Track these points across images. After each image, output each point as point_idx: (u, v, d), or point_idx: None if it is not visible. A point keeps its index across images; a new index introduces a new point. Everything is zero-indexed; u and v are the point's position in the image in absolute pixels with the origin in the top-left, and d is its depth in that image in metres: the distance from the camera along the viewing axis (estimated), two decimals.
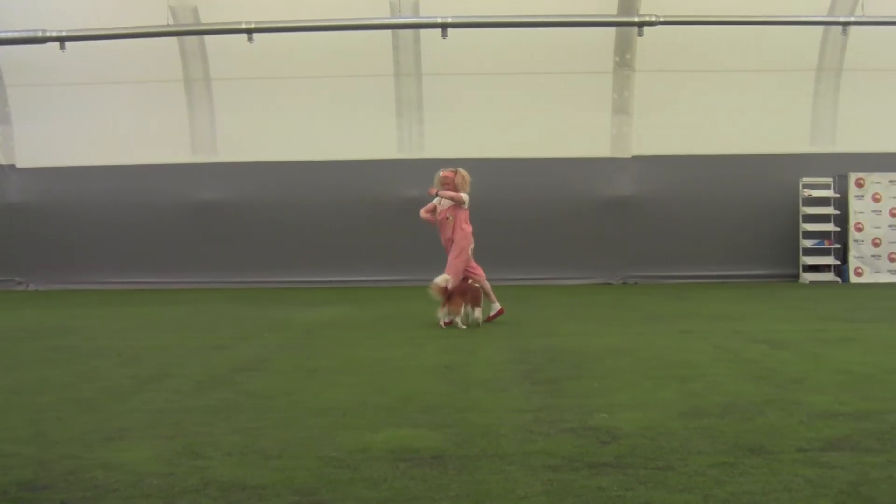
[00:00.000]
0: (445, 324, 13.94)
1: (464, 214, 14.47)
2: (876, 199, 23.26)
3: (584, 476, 5.67)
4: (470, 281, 14.39)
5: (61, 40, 21.39)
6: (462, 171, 14.65)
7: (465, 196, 14.38)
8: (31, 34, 21.47)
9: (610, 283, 23.65)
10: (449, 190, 14.53)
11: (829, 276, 23.49)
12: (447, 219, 14.48)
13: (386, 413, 7.63)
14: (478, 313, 14.16)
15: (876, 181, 23.29)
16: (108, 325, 15.55)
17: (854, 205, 23.26)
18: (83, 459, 6.20)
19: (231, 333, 13.74)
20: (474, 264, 14.61)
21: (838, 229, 23.55)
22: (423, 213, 14.76)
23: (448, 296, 13.90)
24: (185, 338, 13.29)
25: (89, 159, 23.74)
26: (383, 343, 12.44)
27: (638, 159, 23.82)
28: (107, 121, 23.64)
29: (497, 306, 14.66)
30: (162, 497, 5.40)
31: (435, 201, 14.72)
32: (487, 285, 14.63)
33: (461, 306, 13.92)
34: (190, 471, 5.89)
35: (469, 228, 14.49)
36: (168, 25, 21.96)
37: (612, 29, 22.98)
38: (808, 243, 23.64)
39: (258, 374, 9.71)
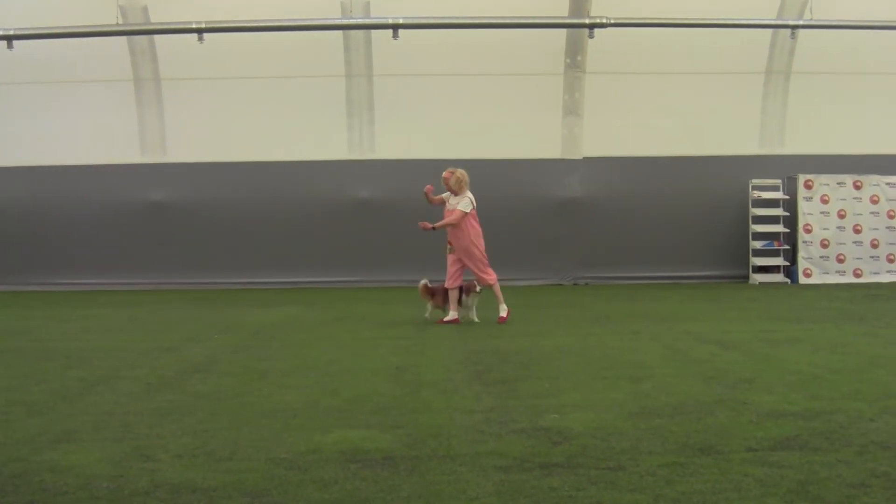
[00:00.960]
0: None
1: (469, 221, 14.55)
2: (824, 201, 23.46)
3: (536, 476, 5.68)
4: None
5: (9, 39, 21.11)
6: (458, 172, 14.64)
7: (460, 212, 14.43)
8: None
9: (561, 284, 23.72)
10: (449, 191, 14.77)
11: (779, 277, 23.69)
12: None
13: (337, 414, 7.61)
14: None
15: (824, 183, 23.49)
16: (55, 326, 15.39)
17: (803, 206, 23.45)
18: (31, 462, 6.14)
19: (181, 335, 13.64)
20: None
21: (787, 230, 23.76)
22: (430, 192, 14.82)
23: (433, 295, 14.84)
24: (134, 339, 13.17)
25: (36, 159, 23.45)
26: (334, 344, 12.41)
27: (588, 160, 23.91)
28: (55, 120, 23.38)
29: (454, 314, 14.64)
30: (111, 500, 5.36)
31: (444, 195, 14.84)
32: (456, 293, 14.64)
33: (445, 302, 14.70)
34: (139, 473, 5.85)
35: (478, 227, 14.70)
36: (117, 25, 21.74)
37: (563, 30, 23.06)
38: (757, 244, 23.83)
39: (208, 376, 9.65)
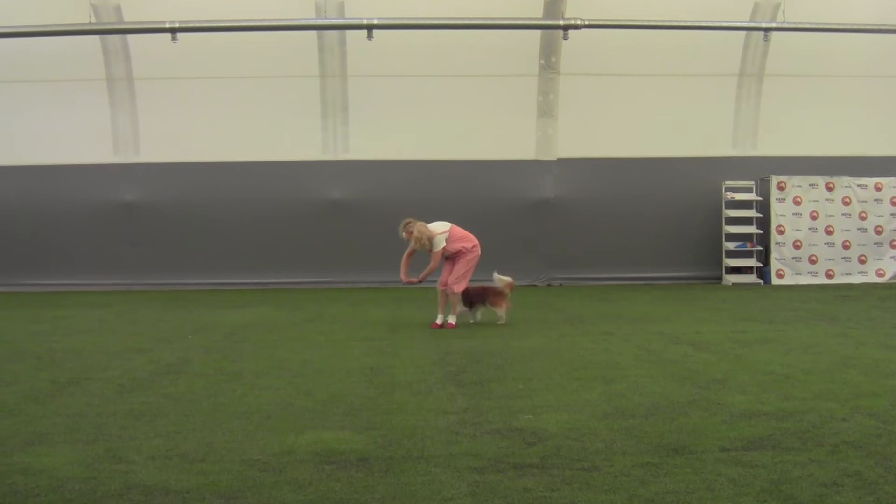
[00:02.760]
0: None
1: (450, 246, 14.47)
2: (797, 202, 23.58)
3: (510, 477, 5.68)
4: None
5: None
6: (415, 230, 14.17)
7: (436, 254, 14.37)
8: None
9: (534, 285, 23.71)
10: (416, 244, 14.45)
11: (751, 278, 23.77)
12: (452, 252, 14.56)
13: (310, 415, 7.59)
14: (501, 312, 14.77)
15: (797, 184, 23.60)
16: (25, 328, 15.26)
17: (776, 207, 23.55)
18: (1, 465, 6.10)
19: (153, 336, 13.57)
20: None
21: (760, 232, 23.86)
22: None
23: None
24: (105, 341, 13.10)
25: (6, 159, 23.29)
26: (307, 345, 12.37)
27: (562, 162, 23.95)
28: (26, 120, 23.23)
29: (452, 320, 14.49)
30: (83, 502, 5.33)
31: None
32: (455, 299, 14.53)
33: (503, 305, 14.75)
34: (112, 475, 5.82)
35: (458, 247, 14.55)
36: (90, 24, 21.61)
37: (538, 32, 23.08)
38: (730, 245, 23.92)
39: (181, 377, 9.61)
